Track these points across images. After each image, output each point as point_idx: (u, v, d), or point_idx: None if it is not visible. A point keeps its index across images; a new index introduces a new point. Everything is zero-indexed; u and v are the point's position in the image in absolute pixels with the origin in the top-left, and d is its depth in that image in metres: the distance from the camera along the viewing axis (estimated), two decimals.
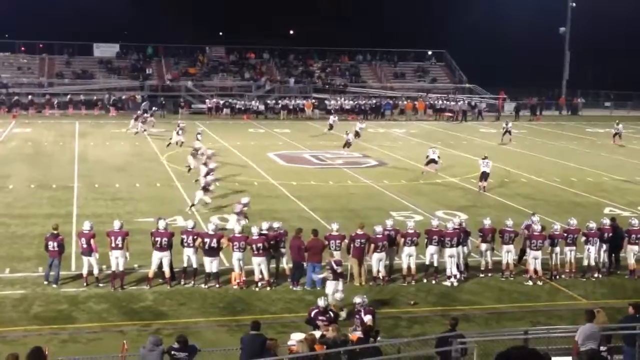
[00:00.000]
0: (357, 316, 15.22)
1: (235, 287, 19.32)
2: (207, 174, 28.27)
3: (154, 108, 56.84)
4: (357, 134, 44.72)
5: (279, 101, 65.13)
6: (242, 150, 42.43)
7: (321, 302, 15.42)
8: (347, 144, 42.13)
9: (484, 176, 32.14)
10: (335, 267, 17.98)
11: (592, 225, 21.25)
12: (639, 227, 21.19)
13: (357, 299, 15.48)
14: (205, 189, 27.38)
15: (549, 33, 75.98)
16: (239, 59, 77.29)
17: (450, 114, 63.71)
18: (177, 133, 41.99)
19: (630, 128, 58.64)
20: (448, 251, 20.17)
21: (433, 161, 35.76)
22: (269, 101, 65.05)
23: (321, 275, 18.70)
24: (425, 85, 76.22)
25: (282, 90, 70.76)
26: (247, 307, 18.13)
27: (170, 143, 41.93)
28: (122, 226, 19.47)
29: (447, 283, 20.06)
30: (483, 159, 32.43)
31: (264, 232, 19.81)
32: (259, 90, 70.58)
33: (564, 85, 75.66)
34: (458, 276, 20.18)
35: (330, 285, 17.94)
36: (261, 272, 19.42)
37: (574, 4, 73.09)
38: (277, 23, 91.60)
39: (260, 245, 19.33)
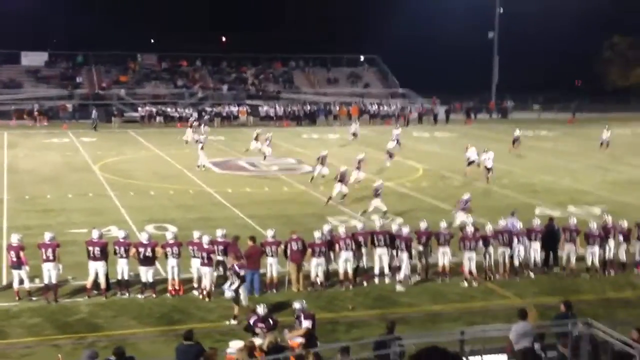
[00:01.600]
0: (297, 321, 15.22)
1: (170, 295, 19.13)
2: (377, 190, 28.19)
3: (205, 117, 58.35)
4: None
5: (213, 108, 64.85)
6: (176, 159, 42.06)
7: (260, 310, 15.37)
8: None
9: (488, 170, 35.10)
10: (238, 270, 17.93)
11: (517, 224, 21.72)
12: (575, 226, 21.72)
13: (297, 305, 15.47)
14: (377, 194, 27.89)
15: (478, 38, 77.32)
16: (171, 67, 76.65)
17: (397, 119, 64.49)
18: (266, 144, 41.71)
19: (557, 130, 60.05)
20: (378, 250, 20.56)
21: (473, 162, 37.59)
22: (206, 108, 64.85)
23: (233, 287, 17.96)
24: (358, 90, 76.70)
25: (215, 98, 70.40)
26: (185, 316, 17.96)
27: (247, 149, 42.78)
28: (54, 238, 19.11)
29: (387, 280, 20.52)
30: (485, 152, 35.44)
31: (220, 239, 19.69)
32: (192, 98, 70.09)
33: (493, 89, 77.08)
34: (396, 275, 20.49)
35: (242, 291, 18.01)
36: (201, 281, 19.32)
37: (502, 10, 74.51)
38: (209, 30, 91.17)
39: (207, 254, 19.20)
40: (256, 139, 42.74)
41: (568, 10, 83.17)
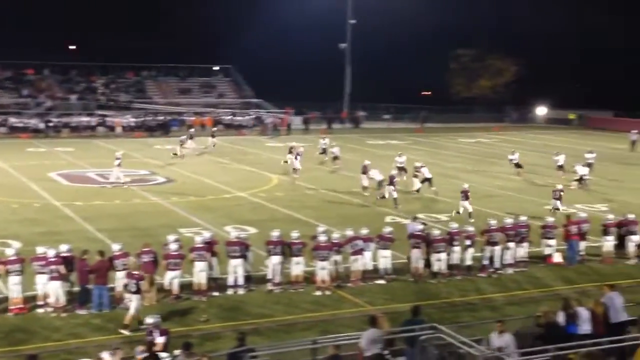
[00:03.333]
0: (150, 337, 14.79)
1: (12, 314, 18.31)
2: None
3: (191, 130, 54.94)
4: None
5: (61, 119, 62.75)
6: (21, 171, 40.41)
7: (151, 320, 14.93)
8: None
9: (428, 181, 35.30)
10: (136, 282, 17.79)
11: (364, 231, 22.15)
12: (421, 232, 22.34)
13: (150, 320, 15.06)
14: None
15: (331, 49, 78.49)
16: (15, 75, 73.57)
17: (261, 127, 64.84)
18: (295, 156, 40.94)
19: (407, 139, 61.80)
20: (233, 262, 20.56)
21: (518, 165, 40.44)
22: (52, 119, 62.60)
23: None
24: (212, 100, 76.24)
25: (64, 108, 68.11)
26: (29, 335, 17.21)
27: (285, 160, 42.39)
28: None
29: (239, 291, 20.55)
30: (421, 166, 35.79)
31: (65, 254, 19.00)
32: (39, 108, 67.53)
33: (346, 99, 78.46)
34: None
35: (135, 300, 17.87)
36: (58, 297, 18.62)
37: (354, 21, 76.01)
38: (57, 37, 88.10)
39: (57, 267, 18.51)
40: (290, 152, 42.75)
41: (417, 23, 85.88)
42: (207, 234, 21.42)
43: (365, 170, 35.60)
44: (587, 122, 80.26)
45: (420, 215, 29.94)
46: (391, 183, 33.04)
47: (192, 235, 24.05)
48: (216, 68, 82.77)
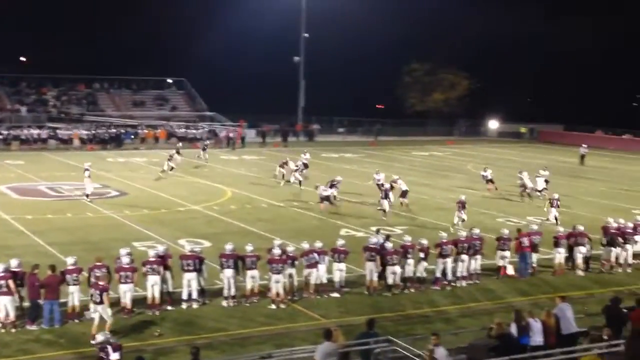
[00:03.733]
0: (103, 354, 14.50)
1: None
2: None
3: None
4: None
5: (10, 131, 61.76)
6: None
7: (101, 337, 14.68)
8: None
9: (403, 194, 35.39)
10: (100, 292, 17.80)
11: (319, 244, 22.15)
12: (375, 245, 22.41)
13: (100, 337, 14.82)
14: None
15: (285, 62, 78.62)
16: None
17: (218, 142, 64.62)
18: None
19: (361, 152, 62.08)
20: (187, 275, 20.46)
21: (490, 181, 40.32)
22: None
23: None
24: (165, 113, 75.76)
25: (14, 120, 67.05)
26: None
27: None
28: None
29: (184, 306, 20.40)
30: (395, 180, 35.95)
31: (15, 269, 18.68)
32: None
33: (300, 112, 78.59)
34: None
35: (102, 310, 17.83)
36: (7, 312, 18.28)
37: (307, 35, 76.27)
38: (8, 49, 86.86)
39: (6, 282, 18.22)
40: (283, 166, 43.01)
41: (371, 37, 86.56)
42: (160, 248, 21.23)
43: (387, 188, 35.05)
44: (538, 136, 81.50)
45: (373, 229, 30.08)
46: (386, 197, 33.28)
47: (146, 249, 23.85)
48: (170, 81, 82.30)
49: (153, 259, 20.13)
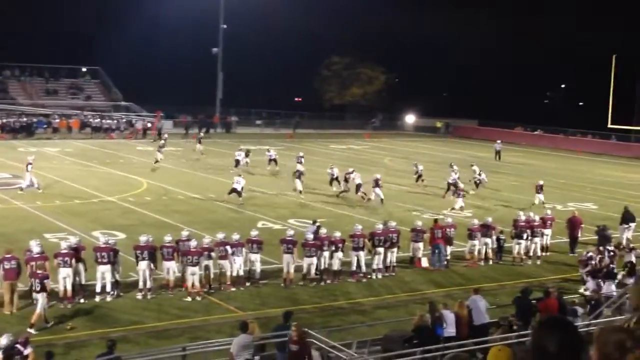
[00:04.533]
0: (18, 357, 14.01)
1: None
2: None
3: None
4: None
5: None
6: None
7: (4, 341, 14.17)
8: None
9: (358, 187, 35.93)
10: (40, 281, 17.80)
11: (236, 236, 22.08)
12: (291, 238, 22.46)
13: (3, 341, 14.11)
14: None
15: (203, 53, 77.86)
16: None
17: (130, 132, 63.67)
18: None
19: (279, 145, 61.98)
20: (101, 267, 20.15)
21: (420, 176, 40.73)
22: None
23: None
24: (79, 102, 74.13)
25: None
26: None
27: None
28: None
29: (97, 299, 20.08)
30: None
31: None
32: None
33: (217, 104, 77.96)
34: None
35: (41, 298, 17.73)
36: None
37: (225, 26, 75.68)
38: None
39: None
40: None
41: (290, 29, 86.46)
42: (73, 240, 20.82)
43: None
44: (454, 131, 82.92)
45: (290, 221, 30.16)
46: (377, 185, 35.33)
47: (58, 240, 23.32)
48: (84, 69, 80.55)
49: (65, 251, 19.70)
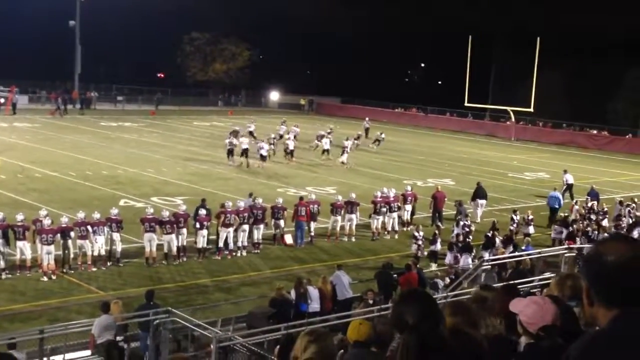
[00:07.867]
0: None
1: None
2: None
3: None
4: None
5: None
6: None
7: None
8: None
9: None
10: None
11: (97, 215, 21.55)
12: (206, 215, 22.52)
13: None
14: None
15: (61, 26, 75.05)
16: None
17: None
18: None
19: (141, 122, 60.78)
20: None
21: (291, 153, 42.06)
22: None
23: None
24: None
25: None
26: None
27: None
28: None
29: None
30: None
31: None
32: None
33: (76, 79, 75.35)
34: None
35: None
36: None
37: None
38: None
39: None
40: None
41: (152, 3, 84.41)
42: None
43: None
44: (317, 108, 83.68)
45: (153, 199, 29.68)
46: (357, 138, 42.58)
47: None
48: None
49: None
